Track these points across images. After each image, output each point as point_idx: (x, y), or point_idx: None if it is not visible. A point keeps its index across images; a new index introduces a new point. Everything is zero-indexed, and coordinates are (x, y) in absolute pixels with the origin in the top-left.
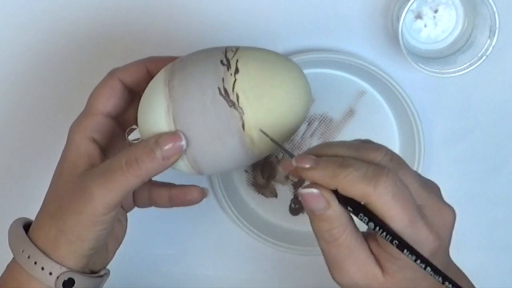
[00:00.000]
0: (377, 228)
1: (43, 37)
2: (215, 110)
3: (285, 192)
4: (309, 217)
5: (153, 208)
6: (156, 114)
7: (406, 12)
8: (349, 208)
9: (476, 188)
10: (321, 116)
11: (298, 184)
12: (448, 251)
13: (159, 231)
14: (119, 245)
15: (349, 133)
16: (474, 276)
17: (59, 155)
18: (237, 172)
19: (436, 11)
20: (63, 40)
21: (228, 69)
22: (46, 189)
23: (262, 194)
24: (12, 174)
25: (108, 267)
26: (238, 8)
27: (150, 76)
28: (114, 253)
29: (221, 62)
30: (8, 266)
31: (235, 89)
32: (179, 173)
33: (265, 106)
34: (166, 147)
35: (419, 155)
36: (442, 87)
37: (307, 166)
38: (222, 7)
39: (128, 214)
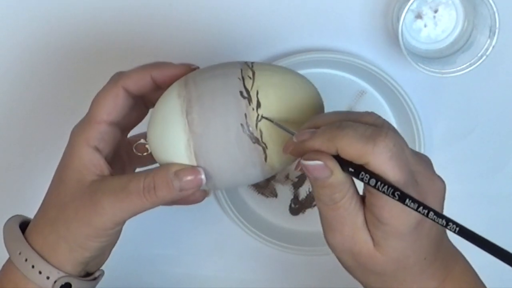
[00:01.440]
0: (378, 183)
1: (43, 38)
2: (239, 146)
3: (285, 192)
4: (311, 182)
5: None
6: (175, 145)
7: (406, 12)
8: (350, 169)
9: (476, 188)
10: None
11: (298, 184)
12: (440, 231)
13: (159, 231)
14: (114, 245)
15: None
16: None
17: (58, 156)
18: None
19: (436, 11)
20: (62, 41)
21: (249, 103)
22: (45, 189)
23: (262, 194)
24: (11, 173)
25: (108, 267)
26: (238, 8)
27: (154, 84)
28: (110, 254)
29: (241, 94)
30: (3, 266)
31: (258, 125)
32: None
33: (286, 136)
34: (185, 179)
35: None
36: (442, 87)
37: (305, 138)
38: (222, 8)
39: None
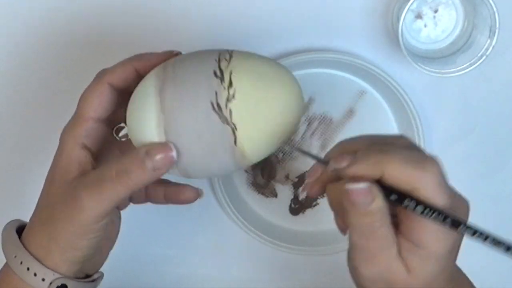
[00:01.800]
0: (427, 209)
1: (35, 39)
2: (208, 126)
3: (285, 192)
4: (348, 210)
5: (152, 208)
6: (146, 124)
7: (406, 12)
8: (391, 197)
9: (476, 188)
10: (321, 116)
11: (298, 184)
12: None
13: (159, 231)
14: (113, 245)
15: (349, 133)
16: (474, 276)
17: (51, 158)
18: (237, 172)
19: (436, 11)
20: (63, 41)
21: (221, 82)
22: (40, 192)
23: (262, 194)
24: (7, 176)
25: (107, 267)
26: (238, 8)
27: (138, 76)
28: (108, 254)
29: (215, 73)
30: (1, 270)
31: (228, 105)
32: None
33: (259, 121)
34: (157, 158)
35: None
36: (442, 87)
37: (345, 164)
38: (222, 7)
39: (128, 215)
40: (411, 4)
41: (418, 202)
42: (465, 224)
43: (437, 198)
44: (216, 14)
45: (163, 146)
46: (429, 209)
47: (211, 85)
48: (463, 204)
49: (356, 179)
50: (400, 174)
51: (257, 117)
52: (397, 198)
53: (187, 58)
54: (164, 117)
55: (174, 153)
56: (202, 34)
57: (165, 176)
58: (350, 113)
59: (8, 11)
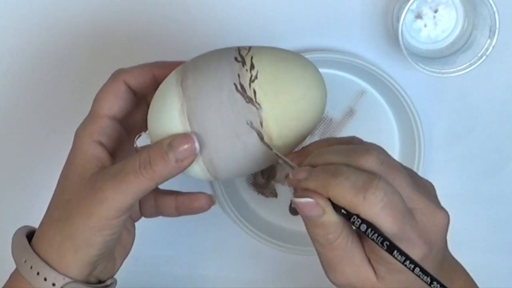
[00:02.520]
0: (369, 230)
1: (45, 38)
2: (232, 107)
3: (285, 192)
4: (304, 222)
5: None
6: (169, 114)
7: (406, 12)
8: (342, 211)
9: (476, 188)
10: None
11: None
12: (443, 252)
13: (159, 232)
14: (126, 255)
15: (349, 133)
16: (474, 276)
17: (62, 160)
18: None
19: (436, 11)
20: (63, 41)
21: (243, 65)
22: (49, 196)
23: (262, 194)
24: (14, 180)
25: None
26: (238, 8)
27: (156, 82)
28: (122, 263)
29: (235, 59)
30: (11, 275)
31: (251, 85)
32: (186, 180)
33: (283, 101)
34: (180, 149)
35: (419, 155)
36: (442, 87)
37: (301, 177)
38: (222, 7)
39: None
40: (411, 4)
41: (363, 222)
42: (399, 250)
43: (380, 223)
44: (216, 15)
45: (185, 136)
46: (371, 230)
47: (233, 68)
48: (434, 218)
49: (306, 194)
50: (343, 199)
51: (281, 98)
52: (346, 214)
53: (206, 53)
54: (186, 104)
55: (196, 144)
56: (202, 34)
57: (179, 184)
58: (350, 113)
59: (16, 9)
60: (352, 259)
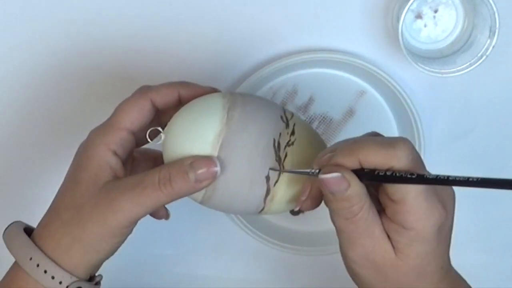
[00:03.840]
0: (408, 175)
1: (44, 38)
2: (262, 157)
3: None
4: (327, 198)
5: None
6: (204, 133)
7: (406, 12)
8: (370, 179)
9: (476, 188)
10: (321, 116)
11: None
12: (451, 234)
13: (159, 231)
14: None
15: (349, 133)
16: (474, 276)
17: (60, 163)
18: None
19: (436, 11)
20: (62, 41)
21: (286, 127)
22: (45, 195)
23: None
24: (13, 180)
25: (108, 267)
26: (238, 8)
27: (180, 102)
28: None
29: (281, 118)
30: (10, 272)
31: (286, 148)
32: None
33: (299, 176)
34: (200, 171)
35: None
36: (442, 87)
37: (326, 158)
38: (222, 7)
39: None
40: (411, 4)
41: (396, 176)
42: (434, 178)
43: (409, 168)
44: (216, 15)
45: (208, 159)
46: (409, 174)
47: (277, 125)
48: (446, 189)
49: (333, 170)
50: (375, 156)
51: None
52: (376, 177)
53: (255, 96)
54: (226, 132)
55: (218, 169)
56: (203, 35)
57: None
58: (350, 113)
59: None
60: (373, 231)
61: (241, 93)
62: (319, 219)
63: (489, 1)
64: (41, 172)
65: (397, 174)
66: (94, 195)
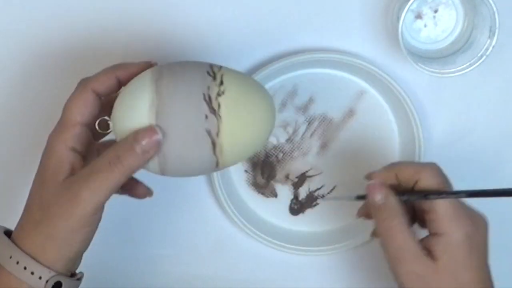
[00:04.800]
0: (435, 194)
1: (42, 36)
2: (197, 113)
3: (285, 192)
4: (372, 212)
5: (153, 208)
6: (139, 107)
7: (406, 12)
8: (406, 196)
9: (476, 188)
10: (321, 116)
11: (298, 184)
12: (486, 248)
13: (159, 231)
14: (93, 236)
15: (349, 133)
16: None
17: (35, 163)
18: (237, 172)
19: (436, 11)
20: (58, 42)
21: (214, 80)
22: (24, 199)
23: (262, 194)
24: (10, 180)
25: (108, 267)
26: (238, 8)
27: (119, 84)
28: (82, 258)
29: (208, 73)
30: None
31: (218, 98)
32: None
33: (240, 120)
34: (144, 142)
35: (419, 155)
36: (442, 87)
37: (372, 180)
38: (222, 7)
39: (128, 214)
40: (411, 4)
41: (427, 192)
42: (455, 192)
43: (436, 185)
44: (216, 15)
45: (150, 129)
46: (438, 193)
47: (205, 80)
48: (480, 217)
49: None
50: (407, 170)
51: (239, 117)
52: (411, 193)
53: (181, 62)
54: (158, 100)
55: (160, 136)
56: (202, 34)
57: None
58: (350, 113)
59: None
60: (413, 245)
61: (168, 64)
62: (319, 219)
63: (489, 1)
64: (18, 174)
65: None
66: (57, 191)
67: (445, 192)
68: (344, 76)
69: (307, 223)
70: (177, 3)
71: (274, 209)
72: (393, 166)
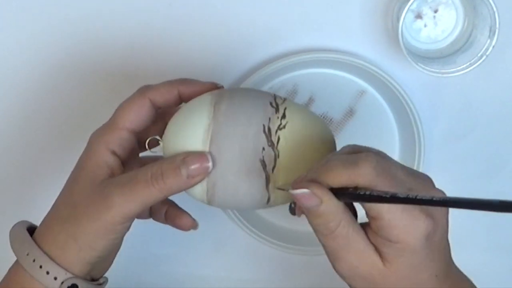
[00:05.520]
0: (374, 197)
1: (45, 38)
2: (254, 144)
3: None
4: (304, 213)
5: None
6: (194, 130)
7: (406, 12)
8: (346, 198)
9: (476, 188)
10: (321, 116)
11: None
12: (447, 240)
13: (159, 231)
14: (117, 251)
15: (349, 133)
16: (474, 276)
17: (64, 161)
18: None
19: (436, 11)
20: (60, 44)
21: (276, 112)
22: (51, 195)
23: None
24: (15, 178)
25: None
26: (238, 8)
27: (180, 99)
28: (112, 261)
29: (271, 104)
30: (10, 269)
31: (278, 132)
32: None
33: (299, 158)
34: (192, 167)
35: (419, 155)
36: (442, 87)
37: (301, 176)
38: (222, 7)
39: None
40: (411, 4)
41: (365, 195)
42: (399, 197)
43: (378, 188)
44: (216, 15)
45: (200, 155)
46: (372, 193)
47: (266, 111)
48: (423, 181)
49: (305, 186)
50: (339, 178)
51: (299, 154)
52: (351, 195)
53: (244, 88)
54: (214, 125)
55: (210, 164)
56: (202, 34)
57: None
58: (350, 113)
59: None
60: (355, 246)
61: (230, 89)
62: None
63: (489, 1)
64: (45, 172)
65: (373, 193)
66: (90, 192)
67: (393, 196)
68: (344, 76)
69: (307, 223)
70: (177, 3)
71: (274, 209)
72: (322, 172)
